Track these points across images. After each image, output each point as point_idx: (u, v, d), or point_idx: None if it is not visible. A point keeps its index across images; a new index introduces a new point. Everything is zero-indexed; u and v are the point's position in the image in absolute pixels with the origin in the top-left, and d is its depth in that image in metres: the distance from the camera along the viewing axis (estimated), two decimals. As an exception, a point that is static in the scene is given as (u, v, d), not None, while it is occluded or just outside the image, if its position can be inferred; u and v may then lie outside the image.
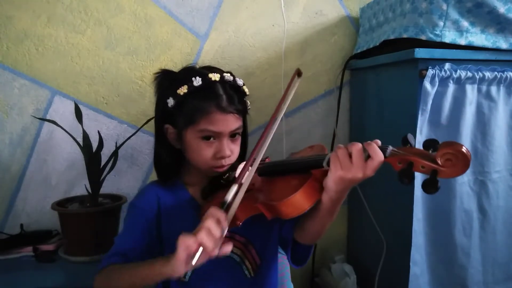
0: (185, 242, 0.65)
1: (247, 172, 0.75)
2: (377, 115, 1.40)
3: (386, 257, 1.34)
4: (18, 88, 1.34)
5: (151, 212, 0.90)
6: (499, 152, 1.24)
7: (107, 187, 1.31)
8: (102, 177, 1.23)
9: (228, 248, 0.68)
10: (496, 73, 1.16)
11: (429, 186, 0.62)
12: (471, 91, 1.16)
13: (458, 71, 1.13)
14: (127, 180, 1.45)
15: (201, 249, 0.64)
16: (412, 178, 0.64)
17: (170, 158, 0.92)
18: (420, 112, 1.13)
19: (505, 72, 1.17)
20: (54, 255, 1.22)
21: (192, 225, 0.69)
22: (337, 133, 1.58)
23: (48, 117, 1.35)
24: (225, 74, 0.88)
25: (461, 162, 0.61)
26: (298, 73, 0.82)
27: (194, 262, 0.64)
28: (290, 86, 0.81)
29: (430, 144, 0.65)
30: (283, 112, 0.82)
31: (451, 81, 1.14)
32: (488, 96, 1.19)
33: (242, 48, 1.50)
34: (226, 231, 0.67)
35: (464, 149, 0.61)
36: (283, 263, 1.08)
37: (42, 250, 1.23)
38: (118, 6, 1.38)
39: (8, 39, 1.31)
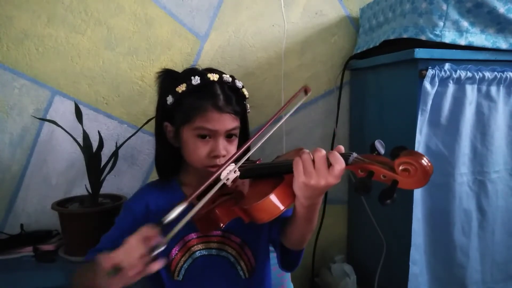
0: (104, 258, 0.61)
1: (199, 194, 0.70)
2: (377, 115, 1.41)
3: (386, 257, 1.34)
4: (18, 88, 1.34)
5: (140, 214, 0.90)
6: (498, 152, 1.24)
7: (107, 187, 1.31)
8: (102, 177, 1.23)
9: (155, 266, 0.61)
10: (496, 73, 1.16)
11: (384, 195, 0.58)
12: (471, 91, 1.17)
13: (458, 71, 1.13)
14: (127, 180, 1.45)
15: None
16: (368, 190, 0.59)
17: (169, 156, 0.93)
18: (420, 112, 1.13)
19: (505, 72, 1.17)
20: (54, 255, 1.22)
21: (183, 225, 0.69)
22: (337, 133, 1.58)
23: (48, 117, 1.35)
24: (224, 75, 0.88)
25: (419, 174, 0.57)
26: (305, 90, 0.82)
27: (109, 279, 0.60)
28: (292, 98, 0.82)
29: (398, 152, 0.60)
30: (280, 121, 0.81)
31: (451, 81, 1.14)
32: (488, 96, 1.19)
33: (242, 48, 1.50)
34: (159, 248, 0.61)
35: (424, 161, 0.57)
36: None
37: (42, 250, 1.23)
38: (118, 6, 1.38)
39: (8, 39, 1.31)
